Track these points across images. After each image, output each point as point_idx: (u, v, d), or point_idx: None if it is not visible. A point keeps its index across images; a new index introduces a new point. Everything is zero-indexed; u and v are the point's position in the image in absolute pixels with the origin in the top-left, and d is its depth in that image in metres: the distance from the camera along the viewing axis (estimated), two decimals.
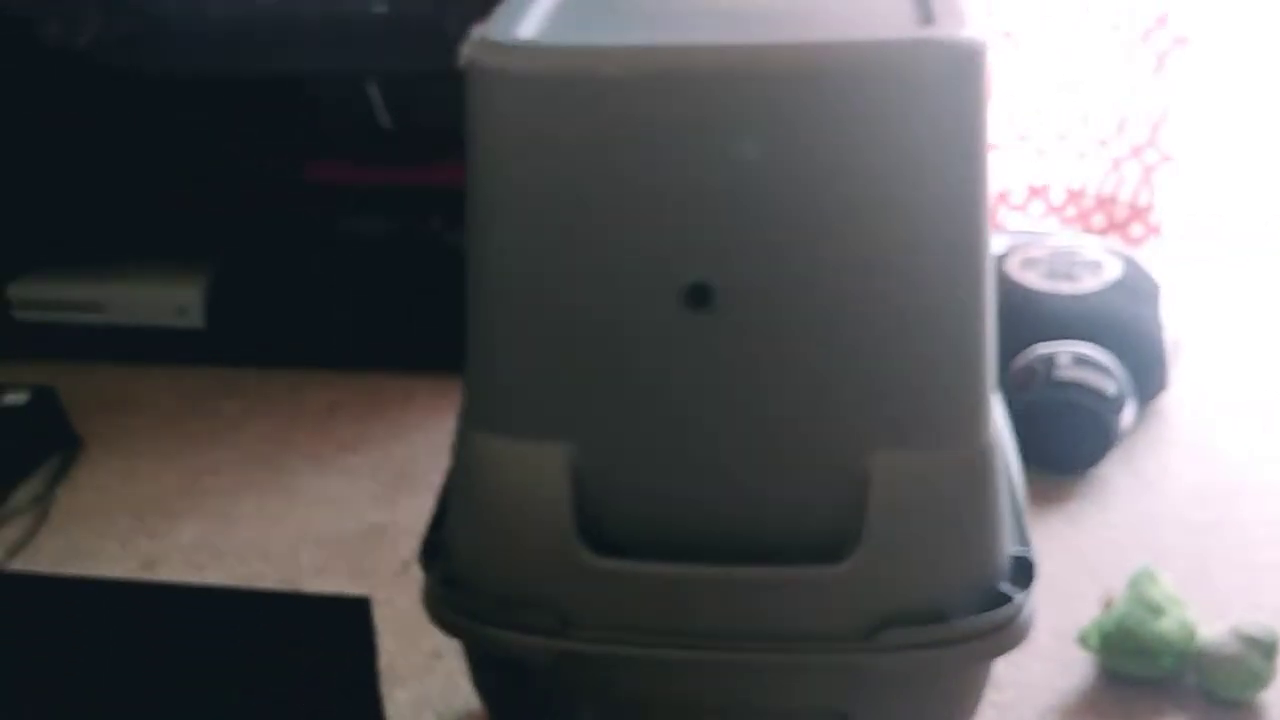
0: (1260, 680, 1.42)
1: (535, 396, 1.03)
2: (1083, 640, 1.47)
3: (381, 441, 1.99)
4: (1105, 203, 2.28)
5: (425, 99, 2.24)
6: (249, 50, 2.14)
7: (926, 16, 0.96)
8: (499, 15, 1.02)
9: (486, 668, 1.17)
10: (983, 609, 1.02)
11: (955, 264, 0.96)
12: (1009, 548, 1.06)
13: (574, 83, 0.95)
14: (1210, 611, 1.53)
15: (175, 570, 1.70)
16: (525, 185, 0.97)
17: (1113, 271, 1.99)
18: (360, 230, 2.27)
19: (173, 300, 2.19)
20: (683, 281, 0.97)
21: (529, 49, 0.97)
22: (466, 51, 0.97)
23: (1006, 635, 1.03)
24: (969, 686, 1.11)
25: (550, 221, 0.98)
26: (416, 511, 1.82)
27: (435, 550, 1.12)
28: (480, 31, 0.99)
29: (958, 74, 0.93)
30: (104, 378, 2.17)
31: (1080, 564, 1.66)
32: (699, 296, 0.96)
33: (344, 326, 2.20)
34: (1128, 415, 1.84)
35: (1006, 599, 1.03)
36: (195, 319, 2.20)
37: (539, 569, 1.04)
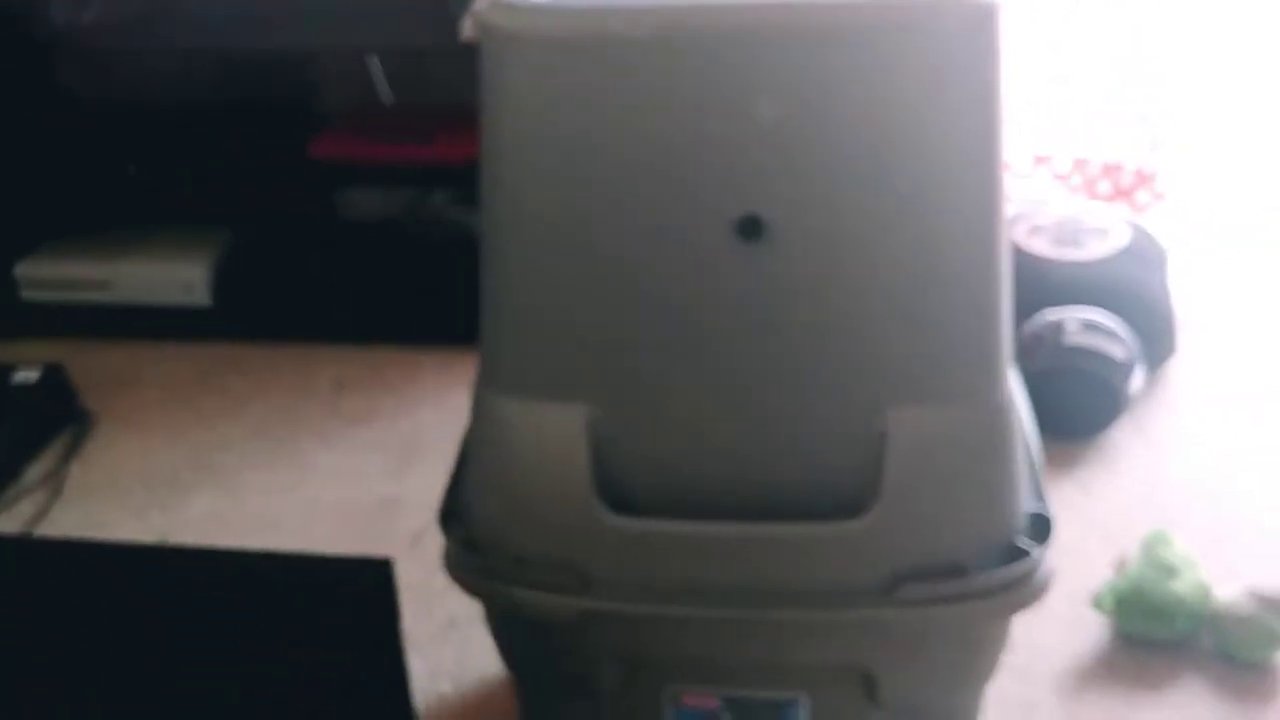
0: (1277, 640, 1.42)
1: (552, 357, 1.03)
2: (1097, 603, 1.47)
3: (389, 416, 1.99)
4: (1110, 170, 2.27)
5: (427, 74, 2.25)
6: (251, 26, 2.14)
7: None
8: None
9: (508, 628, 1.18)
10: (1001, 564, 1.03)
11: (972, 218, 0.96)
12: (1026, 504, 1.07)
13: (588, 44, 0.95)
14: (1223, 574, 1.53)
15: (188, 542, 1.70)
16: (541, 147, 0.97)
17: (1120, 238, 1.99)
18: (365, 205, 2.27)
19: (179, 278, 2.19)
20: (703, 238, 0.98)
21: (541, 10, 0.97)
22: (479, 14, 0.98)
23: (1026, 590, 1.03)
24: (989, 643, 1.12)
25: (567, 184, 0.98)
26: (426, 484, 1.82)
27: (453, 513, 1.12)
28: None
29: (973, 31, 0.93)
30: (113, 355, 2.17)
31: (1092, 528, 1.66)
32: (750, 228, 0.95)
33: (350, 301, 2.20)
34: (1136, 380, 1.83)
35: (1024, 554, 1.03)
36: (202, 296, 2.20)
37: (559, 529, 1.05)
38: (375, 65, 2.25)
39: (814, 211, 0.96)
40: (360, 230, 2.27)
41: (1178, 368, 1.98)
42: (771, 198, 0.96)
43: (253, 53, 2.16)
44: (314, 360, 2.15)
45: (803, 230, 0.97)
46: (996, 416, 1.02)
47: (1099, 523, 1.68)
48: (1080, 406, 1.82)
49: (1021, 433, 1.05)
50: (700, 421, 1.02)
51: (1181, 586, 1.45)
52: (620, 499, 1.04)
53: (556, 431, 1.03)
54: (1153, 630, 1.46)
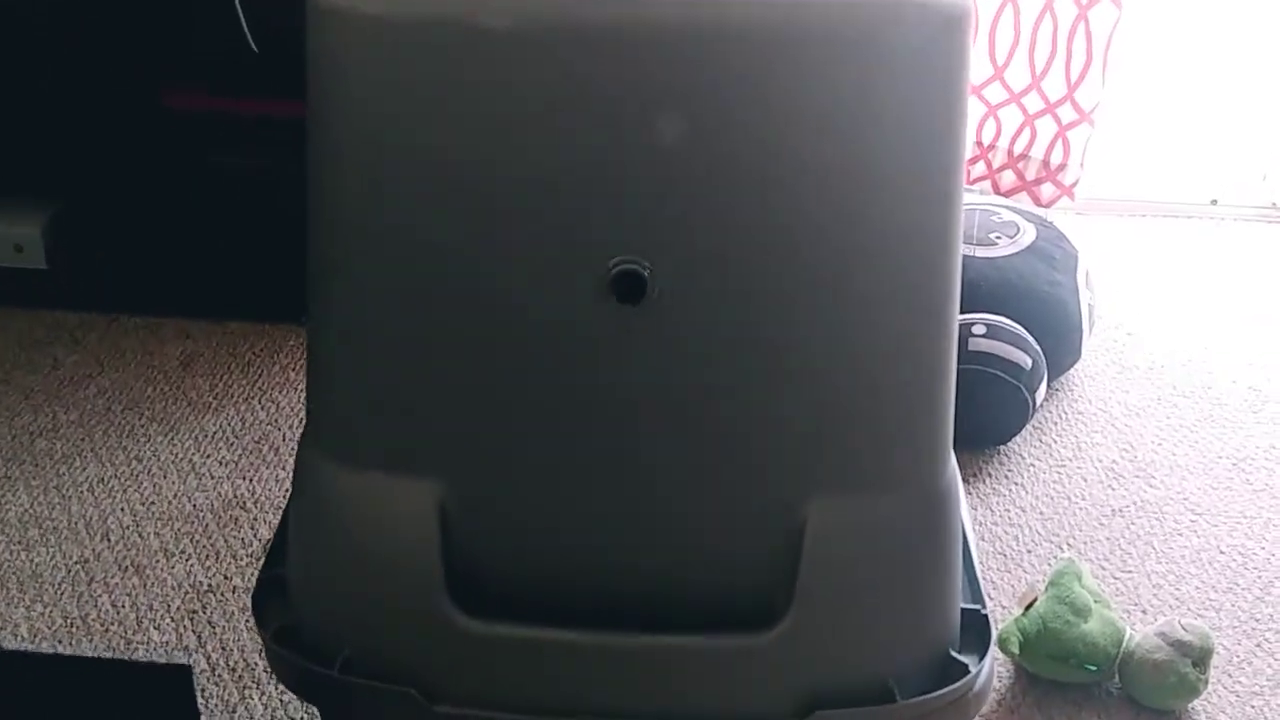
0: (1191, 689, 1.27)
1: (394, 420, 0.78)
2: (1003, 643, 1.29)
3: (242, 401, 1.74)
4: (1016, 160, 2.08)
5: (299, 21, 1.95)
6: None
7: None
8: None
9: None
10: (933, 682, 0.81)
11: (925, 259, 0.74)
12: (959, 603, 0.85)
13: (445, 32, 0.69)
14: (1130, 603, 1.41)
15: (0, 550, 1.43)
16: (378, 159, 0.72)
17: (1028, 236, 1.81)
18: (223, 164, 1.96)
19: (8, 236, 1.88)
20: (581, 279, 0.73)
21: None
22: None
23: (960, 711, 0.82)
24: None
25: (410, 206, 0.73)
26: (279, 483, 1.59)
27: (272, 589, 0.86)
28: None
29: (939, 41, 0.69)
30: None
31: (993, 549, 1.50)
32: (628, 286, 0.71)
33: (204, 270, 1.92)
34: (1042, 388, 1.67)
35: (962, 670, 0.82)
36: (35, 258, 1.89)
37: (399, 630, 0.81)
38: (238, 8, 1.94)
39: (728, 254, 0.72)
40: (218, 191, 1.96)
41: (1081, 374, 1.83)
42: (671, 238, 0.72)
43: None
44: (160, 335, 1.88)
45: (711, 278, 0.73)
46: (936, 507, 0.80)
47: (1000, 542, 1.51)
48: (985, 415, 1.65)
49: (960, 522, 0.84)
50: (575, 508, 0.79)
51: (1093, 627, 1.30)
52: (476, 598, 0.80)
53: (398, 512, 0.79)
54: (1062, 674, 1.30)
